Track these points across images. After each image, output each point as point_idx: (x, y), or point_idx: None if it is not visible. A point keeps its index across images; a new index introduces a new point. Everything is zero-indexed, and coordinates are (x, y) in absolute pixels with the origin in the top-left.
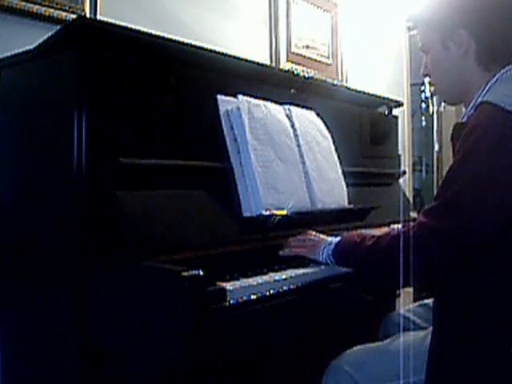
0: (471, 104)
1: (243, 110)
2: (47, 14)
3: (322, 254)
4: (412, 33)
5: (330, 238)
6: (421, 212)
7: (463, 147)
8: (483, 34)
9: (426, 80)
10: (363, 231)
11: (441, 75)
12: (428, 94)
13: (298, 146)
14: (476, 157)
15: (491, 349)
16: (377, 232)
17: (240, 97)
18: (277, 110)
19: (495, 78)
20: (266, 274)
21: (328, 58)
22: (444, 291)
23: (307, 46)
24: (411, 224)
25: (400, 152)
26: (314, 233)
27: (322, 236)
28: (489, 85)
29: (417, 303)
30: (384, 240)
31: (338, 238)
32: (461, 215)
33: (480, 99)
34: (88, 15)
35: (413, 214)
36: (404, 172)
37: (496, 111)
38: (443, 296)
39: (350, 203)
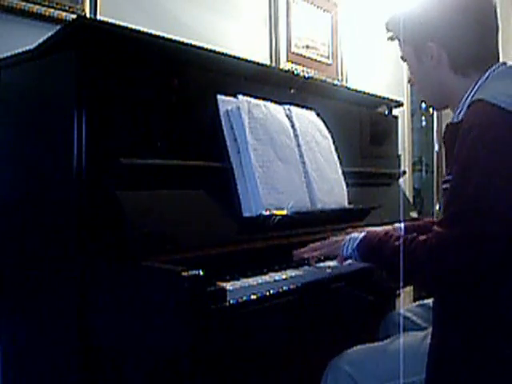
0: (460, 105)
1: (243, 110)
2: (47, 13)
3: (347, 248)
4: None
5: (354, 234)
6: (435, 223)
7: (462, 151)
8: (452, 44)
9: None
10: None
11: (421, 85)
12: None
13: (298, 145)
14: (478, 160)
15: (493, 350)
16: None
17: (240, 97)
18: (277, 110)
19: (485, 77)
20: (265, 274)
21: (328, 58)
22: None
23: (307, 46)
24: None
25: (400, 152)
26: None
27: (342, 236)
28: (479, 83)
29: (417, 303)
30: (411, 244)
31: (363, 234)
32: (475, 222)
33: (470, 98)
34: (88, 15)
35: (413, 214)
36: (404, 172)
37: (490, 109)
38: (445, 297)
39: (350, 203)
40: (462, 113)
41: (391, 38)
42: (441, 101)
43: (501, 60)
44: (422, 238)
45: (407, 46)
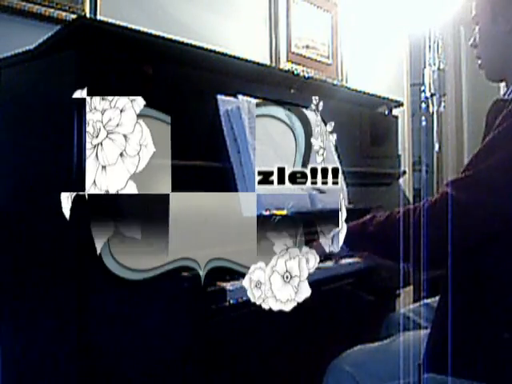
0: None
1: (243, 110)
2: (47, 14)
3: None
4: (412, 32)
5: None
6: (447, 182)
7: (503, 123)
8: None
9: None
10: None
11: (486, 48)
12: (428, 94)
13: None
14: None
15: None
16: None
17: (240, 97)
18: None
19: None
20: None
21: (328, 58)
22: (454, 275)
23: (307, 46)
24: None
25: (400, 152)
26: None
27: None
28: None
29: (419, 303)
30: (398, 214)
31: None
32: (494, 192)
33: None
34: (88, 15)
35: None
36: (404, 172)
37: None
38: (451, 293)
39: (350, 203)
40: None
41: None
42: (499, 71)
43: None
44: (409, 207)
45: (485, 4)
